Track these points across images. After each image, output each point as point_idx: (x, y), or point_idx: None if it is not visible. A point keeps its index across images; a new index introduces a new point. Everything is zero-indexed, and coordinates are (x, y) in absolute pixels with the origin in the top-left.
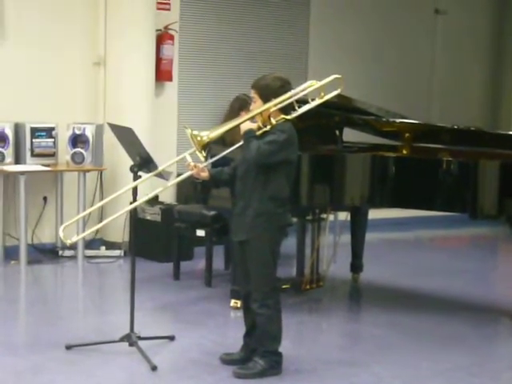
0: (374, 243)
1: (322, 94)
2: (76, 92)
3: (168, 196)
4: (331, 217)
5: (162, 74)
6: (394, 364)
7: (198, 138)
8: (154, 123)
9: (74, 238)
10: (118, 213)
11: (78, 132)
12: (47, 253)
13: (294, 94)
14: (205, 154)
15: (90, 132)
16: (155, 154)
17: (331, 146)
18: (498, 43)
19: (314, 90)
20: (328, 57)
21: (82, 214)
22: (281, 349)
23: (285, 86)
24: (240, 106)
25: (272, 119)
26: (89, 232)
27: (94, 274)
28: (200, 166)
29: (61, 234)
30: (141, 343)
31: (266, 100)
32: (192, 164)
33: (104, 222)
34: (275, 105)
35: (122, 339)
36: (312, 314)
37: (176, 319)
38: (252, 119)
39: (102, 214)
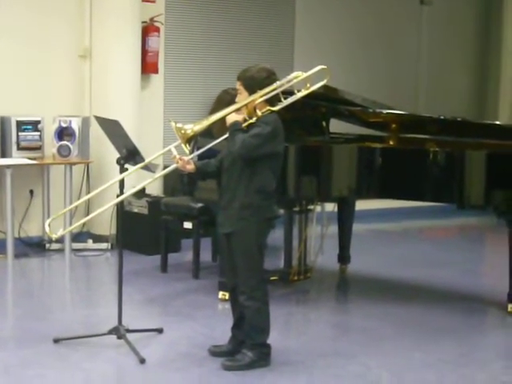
0: (361, 234)
1: (308, 84)
2: (62, 85)
3: (155, 188)
4: (318, 208)
5: (147, 66)
6: (382, 355)
7: (182, 131)
8: (140, 115)
9: (60, 232)
10: (104, 206)
11: (64, 125)
12: (34, 246)
13: (280, 86)
14: (190, 148)
15: (76, 125)
16: (141, 146)
17: (318, 137)
18: (484, 33)
19: (300, 81)
20: (314, 48)
21: (68, 208)
22: (269, 340)
23: (270, 77)
24: (230, 100)
25: (258, 111)
26: (75, 226)
27: (82, 267)
28: (185, 159)
29: (47, 228)
30: (129, 336)
31: (251, 91)
32: (177, 157)
33: (90, 216)
34: (261, 96)
35: (110, 332)
36: (300, 306)
37: (164, 312)
38: (238, 111)
39: (88, 207)
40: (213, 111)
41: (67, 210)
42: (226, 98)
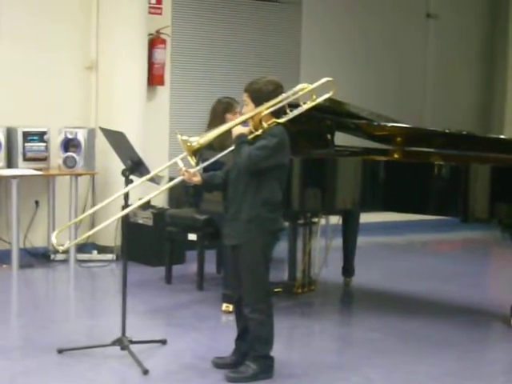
0: (365, 247)
1: (314, 97)
2: (68, 96)
3: (160, 200)
4: (323, 221)
5: (153, 78)
6: (385, 368)
7: (188, 144)
8: (145, 127)
9: (66, 245)
10: (110, 219)
11: (70, 136)
12: (39, 257)
13: (286, 98)
14: (196, 160)
15: (82, 136)
16: (147, 158)
17: (323, 149)
18: (490, 47)
19: (306, 93)
20: (320, 60)
21: (74, 221)
22: (273, 353)
23: (277, 90)
24: (224, 108)
25: (264, 123)
26: (81, 239)
27: (86, 278)
28: (191, 171)
29: (53, 240)
30: (132, 347)
31: (257, 104)
32: (183, 169)
33: (96, 229)
34: (267, 108)
35: (113, 343)
36: (304, 318)
37: (168, 323)
38: (243, 123)
39: (93, 219)
40: (210, 123)
41: (73, 223)
42: (220, 108)
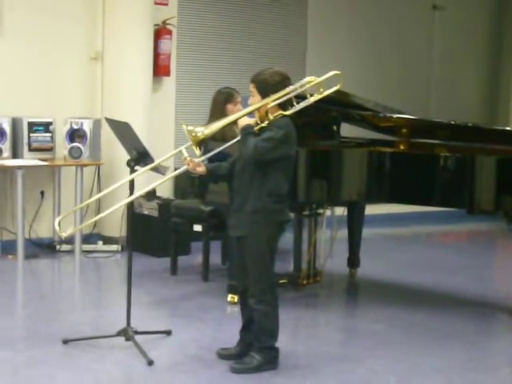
0: (371, 238)
1: (321, 89)
2: (74, 87)
3: (165, 191)
4: (328, 212)
5: (159, 68)
6: (390, 359)
7: (193, 134)
8: (151, 118)
9: (69, 231)
10: (114, 206)
11: (75, 127)
12: (44, 247)
13: (293, 90)
14: (201, 151)
15: (87, 127)
16: (152, 148)
17: (329, 141)
18: (496, 39)
19: (312, 85)
20: (326, 52)
21: (79, 206)
22: (277, 344)
23: (284, 82)
24: (225, 99)
25: (270, 115)
26: (84, 225)
27: (91, 269)
28: (196, 161)
29: (56, 226)
30: (137, 338)
31: (264, 95)
32: (188, 158)
33: (101, 215)
34: (273, 100)
35: (118, 334)
36: (309, 309)
37: (173, 314)
38: (249, 114)
39: (99, 209)
40: (211, 112)
41: (78, 208)
42: (220, 98)
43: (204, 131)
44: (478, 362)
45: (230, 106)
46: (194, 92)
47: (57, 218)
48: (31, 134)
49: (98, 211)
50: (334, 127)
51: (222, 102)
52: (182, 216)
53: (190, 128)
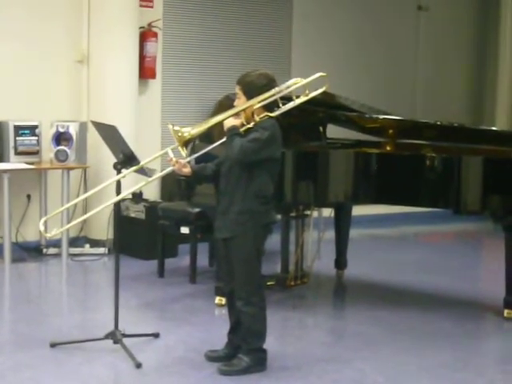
0: (358, 239)
1: (307, 91)
2: (59, 90)
3: (152, 193)
4: (315, 213)
5: (145, 71)
6: (378, 360)
7: (179, 134)
8: (137, 121)
9: (54, 232)
10: (101, 206)
11: (61, 130)
12: (31, 251)
13: (279, 92)
14: (187, 151)
15: (73, 130)
16: (139, 151)
17: (315, 142)
18: (481, 39)
19: (298, 87)
20: (311, 53)
21: (65, 206)
22: (265, 345)
23: (269, 84)
24: (231, 106)
25: (255, 116)
26: (70, 225)
27: (79, 272)
28: (182, 162)
29: (41, 227)
30: (125, 341)
31: (249, 97)
32: (174, 159)
33: (87, 215)
34: (259, 102)
35: (106, 337)
36: (296, 311)
37: (161, 316)
38: (235, 115)
39: (85, 213)
40: (213, 115)
41: (64, 209)
42: (227, 104)
43: (190, 131)
44: (465, 362)
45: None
46: (179, 94)
47: (42, 219)
48: (17, 138)
49: (85, 214)
50: (320, 128)
51: (227, 108)
52: (169, 218)
53: (177, 128)
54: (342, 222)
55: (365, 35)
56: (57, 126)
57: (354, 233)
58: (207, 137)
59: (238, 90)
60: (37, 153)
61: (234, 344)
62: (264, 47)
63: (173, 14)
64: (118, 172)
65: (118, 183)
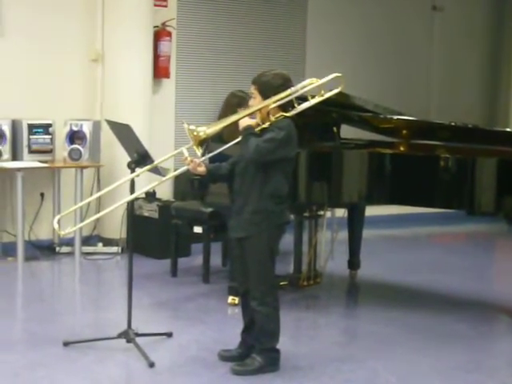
0: (371, 240)
1: (322, 91)
2: (73, 89)
3: (165, 193)
4: (328, 213)
5: (159, 70)
6: (391, 360)
7: (195, 133)
8: (151, 120)
9: (68, 230)
10: (115, 205)
11: (75, 128)
12: (44, 249)
13: (294, 92)
14: (202, 150)
15: (87, 128)
16: (153, 150)
17: (329, 142)
18: (495, 39)
19: (313, 87)
20: (325, 53)
21: (78, 205)
22: (278, 345)
23: (285, 84)
24: (238, 102)
25: (271, 116)
26: (84, 223)
27: (92, 271)
28: (197, 161)
29: (55, 224)
30: (138, 340)
31: (265, 97)
32: (189, 158)
33: (100, 214)
34: (275, 102)
35: (119, 336)
36: (309, 311)
37: (174, 316)
38: (251, 115)
39: (98, 212)
40: (222, 115)
41: (77, 208)
42: (233, 101)
43: (206, 130)
44: (478, 364)
45: (241, 111)
46: (193, 94)
47: (56, 217)
48: (31, 136)
49: (98, 213)
50: (334, 128)
51: (234, 105)
52: (182, 218)
53: (192, 127)
54: (356, 223)
55: (379, 35)
56: (70, 125)
57: (366, 233)
58: (219, 137)
59: (253, 89)
60: (50, 151)
61: (247, 343)
62: (278, 47)
63: (187, 14)
64: (132, 171)
65: (132, 182)
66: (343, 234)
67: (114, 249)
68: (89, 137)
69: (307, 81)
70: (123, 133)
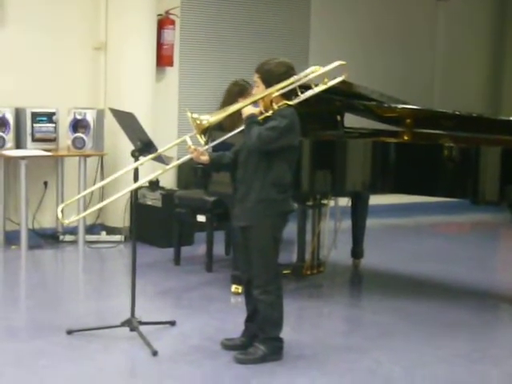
0: (374, 229)
1: (326, 80)
2: (77, 77)
3: (168, 181)
4: (332, 202)
5: (162, 59)
6: (394, 350)
7: (198, 122)
8: (154, 108)
9: (72, 218)
10: (118, 193)
11: (78, 117)
12: (48, 238)
13: (297, 80)
14: (205, 139)
15: (90, 117)
16: (156, 139)
17: (332, 131)
18: (500, 30)
19: (317, 75)
20: (329, 41)
21: (82, 194)
22: (282, 334)
23: (288, 72)
24: (239, 91)
25: (274, 104)
26: (87, 213)
27: (95, 259)
28: (200, 150)
29: (59, 214)
30: (142, 328)
31: (268, 85)
32: (192, 147)
33: (104, 203)
34: (278, 90)
35: (122, 324)
36: (312, 300)
37: (177, 304)
38: (254, 104)
39: (102, 200)
40: (224, 104)
41: (81, 196)
42: (234, 90)
43: (209, 119)
44: (482, 353)
45: (242, 100)
46: (197, 82)
47: (60, 206)
48: (34, 125)
49: (101, 201)
50: (338, 117)
51: (235, 94)
52: (185, 206)
53: (195, 116)
54: (359, 212)
55: (383, 25)
56: (74, 113)
57: (370, 222)
58: (219, 126)
59: (256, 78)
60: (54, 140)
61: (250, 332)
62: (282, 34)
63: (190, 2)
64: (136, 159)
65: (136, 171)
66: (347, 223)
67: (118, 237)
68: (92, 125)
69: (310, 69)
70: (127, 121)
